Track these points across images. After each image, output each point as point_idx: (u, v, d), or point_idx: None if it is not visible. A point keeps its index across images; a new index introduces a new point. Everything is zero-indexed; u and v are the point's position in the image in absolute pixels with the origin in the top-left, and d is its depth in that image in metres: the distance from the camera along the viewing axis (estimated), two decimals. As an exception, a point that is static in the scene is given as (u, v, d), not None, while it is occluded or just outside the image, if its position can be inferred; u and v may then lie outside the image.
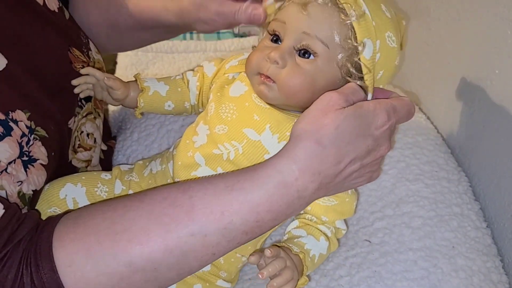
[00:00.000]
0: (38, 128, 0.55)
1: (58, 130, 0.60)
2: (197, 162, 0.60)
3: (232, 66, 0.67)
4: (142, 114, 0.69)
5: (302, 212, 0.62)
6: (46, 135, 0.56)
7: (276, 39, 0.58)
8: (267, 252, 0.52)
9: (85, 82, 0.65)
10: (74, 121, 0.66)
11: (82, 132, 0.68)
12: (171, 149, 0.67)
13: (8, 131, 0.51)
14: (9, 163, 0.51)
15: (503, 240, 0.68)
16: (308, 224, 0.61)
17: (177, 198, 0.48)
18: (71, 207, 0.62)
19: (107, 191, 0.65)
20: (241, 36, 1.22)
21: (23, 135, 0.53)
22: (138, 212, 0.48)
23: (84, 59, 0.68)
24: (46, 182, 0.60)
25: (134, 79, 0.69)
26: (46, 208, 0.60)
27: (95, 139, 0.72)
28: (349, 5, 0.53)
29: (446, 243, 0.66)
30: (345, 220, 0.64)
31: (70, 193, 0.62)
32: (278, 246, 0.55)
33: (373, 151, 0.49)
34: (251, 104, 0.60)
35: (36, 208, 0.59)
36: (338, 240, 0.63)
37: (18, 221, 0.48)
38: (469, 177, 0.75)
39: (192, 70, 0.70)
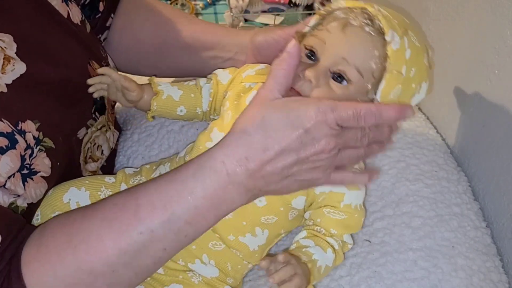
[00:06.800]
0: (46, 139, 0.56)
1: (66, 142, 0.60)
2: None
3: (249, 75, 0.67)
4: (153, 117, 0.70)
5: (311, 223, 0.63)
6: (53, 146, 0.57)
7: (311, 55, 0.57)
8: (280, 258, 0.53)
9: (100, 82, 0.65)
10: (87, 133, 0.66)
11: (94, 144, 0.69)
12: (182, 154, 0.67)
13: (12, 144, 0.52)
14: (9, 177, 0.52)
15: (503, 239, 0.69)
16: (316, 236, 0.62)
17: (125, 202, 0.51)
18: None
19: (110, 194, 0.65)
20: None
21: (28, 147, 0.54)
22: (92, 221, 0.51)
23: None
24: None
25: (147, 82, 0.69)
26: (50, 212, 0.60)
27: (102, 151, 0.72)
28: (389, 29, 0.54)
29: (446, 243, 0.66)
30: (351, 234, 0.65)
31: (74, 197, 0.62)
32: (290, 254, 0.56)
33: (308, 145, 0.47)
34: None
35: (39, 211, 0.60)
36: (344, 254, 0.64)
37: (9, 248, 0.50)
38: (469, 177, 0.76)
39: (205, 77, 0.71)
